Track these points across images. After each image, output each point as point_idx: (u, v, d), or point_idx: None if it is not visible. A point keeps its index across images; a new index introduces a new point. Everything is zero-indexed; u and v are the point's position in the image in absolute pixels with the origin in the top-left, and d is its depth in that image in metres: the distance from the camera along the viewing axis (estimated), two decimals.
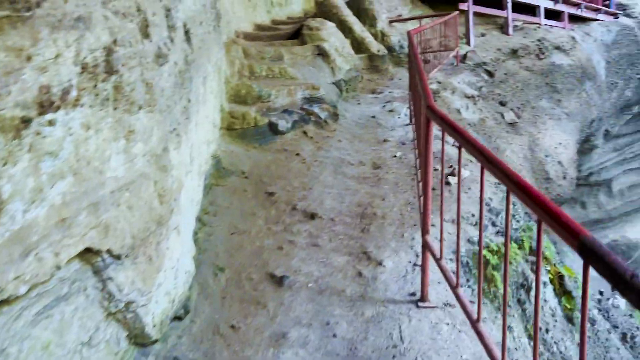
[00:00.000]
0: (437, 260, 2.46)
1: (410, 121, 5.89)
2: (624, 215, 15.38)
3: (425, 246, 2.63)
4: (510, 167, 1.70)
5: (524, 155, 8.27)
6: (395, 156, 4.82)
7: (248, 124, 4.90)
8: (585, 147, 12.23)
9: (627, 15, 14.52)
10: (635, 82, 13.93)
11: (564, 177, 8.86)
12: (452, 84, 8.37)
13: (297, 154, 4.81)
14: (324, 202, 3.90)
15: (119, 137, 2.04)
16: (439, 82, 8.21)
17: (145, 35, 2.32)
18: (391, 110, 6.49)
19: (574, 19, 13.53)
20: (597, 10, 13.96)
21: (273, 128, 5.05)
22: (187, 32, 3.23)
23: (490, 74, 9.50)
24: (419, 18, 9.76)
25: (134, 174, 2.15)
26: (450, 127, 2.25)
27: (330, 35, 7.54)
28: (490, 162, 1.78)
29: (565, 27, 12.87)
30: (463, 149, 2.16)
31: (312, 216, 3.68)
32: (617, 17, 14.43)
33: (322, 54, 7.03)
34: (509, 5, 11.38)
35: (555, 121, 9.82)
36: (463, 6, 10.43)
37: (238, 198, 3.97)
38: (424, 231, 2.67)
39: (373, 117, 6.28)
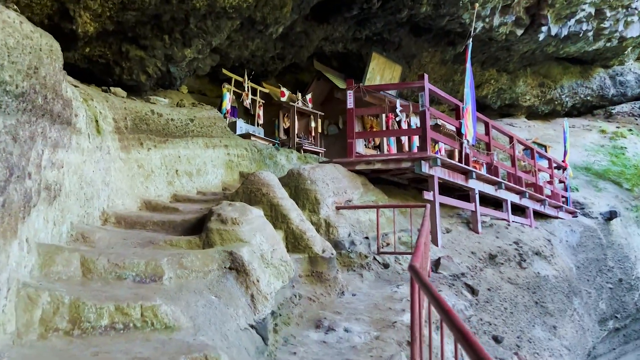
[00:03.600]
0: None
1: None
2: None
3: None
4: None
5: None
6: None
7: None
8: None
9: (586, 215, 13.20)
10: (608, 292, 11.99)
11: None
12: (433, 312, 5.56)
13: None
14: None
15: None
16: None
17: None
18: None
19: (535, 215, 11.90)
20: (558, 208, 12.50)
21: None
22: None
23: (472, 290, 6.89)
24: (376, 207, 7.28)
25: None
26: None
27: (253, 232, 4.66)
28: None
29: (531, 224, 11.06)
30: None
31: None
32: (576, 216, 13.07)
33: (237, 268, 4.04)
34: (477, 198, 9.38)
35: None
36: (428, 195, 8.21)
37: None
38: None
39: None
